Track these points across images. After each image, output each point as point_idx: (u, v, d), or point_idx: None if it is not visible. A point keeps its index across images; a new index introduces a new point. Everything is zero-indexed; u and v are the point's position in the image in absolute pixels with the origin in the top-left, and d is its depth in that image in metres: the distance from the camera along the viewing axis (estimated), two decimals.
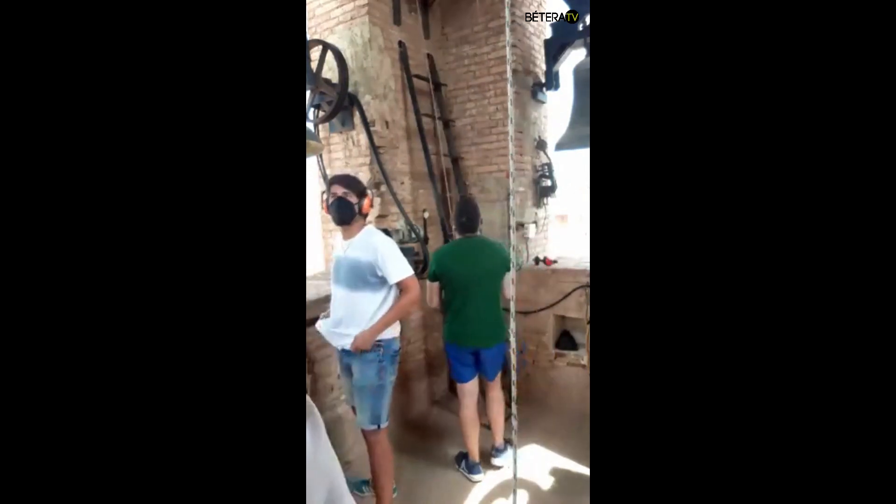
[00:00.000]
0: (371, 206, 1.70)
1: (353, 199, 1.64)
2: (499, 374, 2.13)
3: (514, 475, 1.40)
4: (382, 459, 1.73)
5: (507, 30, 0.96)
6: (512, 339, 1.15)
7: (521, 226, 2.93)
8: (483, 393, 2.18)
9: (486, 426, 2.26)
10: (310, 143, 1.70)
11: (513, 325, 1.15)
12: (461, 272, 1.97)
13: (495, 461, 2.15)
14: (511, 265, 1.10)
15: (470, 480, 2.09)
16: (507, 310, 2.26)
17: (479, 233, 2.10)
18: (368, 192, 1.70)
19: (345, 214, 1.64)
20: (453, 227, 2.08)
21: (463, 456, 2.20)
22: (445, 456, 2.31)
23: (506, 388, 2.35)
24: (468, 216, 2.03)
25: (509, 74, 0.99)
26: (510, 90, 1.01)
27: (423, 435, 2.54)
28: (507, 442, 2.21)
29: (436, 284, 2.03)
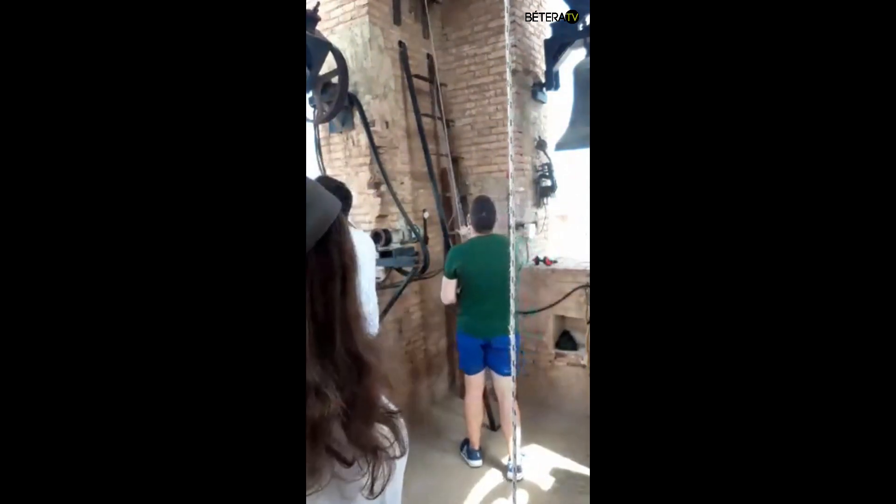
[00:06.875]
0: None
1: None
2: (511, 377, 2.14)
3: (515, 471, 1.40)
4: None
5: (507, 33, 0.96)
6: (512, 337, 1.18)
7: (520, 226, 2.93)
8: (495, 398, 2.28)
9: (485, 425, 2.31)
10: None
11: (513, 322, 1.17)
12: (479, 269, 2.04)
13: (511, 476, 2.16)
14: (511, 264, 1.12)
15: (468, 465, 2.24)
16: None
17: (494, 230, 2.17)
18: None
19: None
20: (471, 223, 2.16)
21: (465, 442, 2.32)
22: (443, 459, 2.31)
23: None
24: (487, 212, 2.10)
25: (508, 77, 0.99)
26: (510, 92, 1.01)
27: (421, 435, 2.54)
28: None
29: (453, 281, 2.09)
